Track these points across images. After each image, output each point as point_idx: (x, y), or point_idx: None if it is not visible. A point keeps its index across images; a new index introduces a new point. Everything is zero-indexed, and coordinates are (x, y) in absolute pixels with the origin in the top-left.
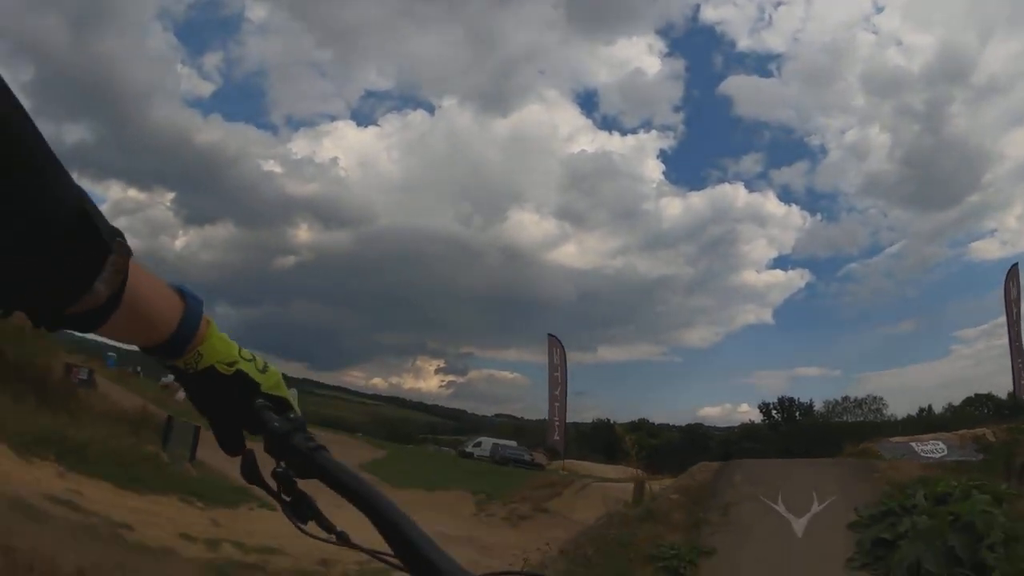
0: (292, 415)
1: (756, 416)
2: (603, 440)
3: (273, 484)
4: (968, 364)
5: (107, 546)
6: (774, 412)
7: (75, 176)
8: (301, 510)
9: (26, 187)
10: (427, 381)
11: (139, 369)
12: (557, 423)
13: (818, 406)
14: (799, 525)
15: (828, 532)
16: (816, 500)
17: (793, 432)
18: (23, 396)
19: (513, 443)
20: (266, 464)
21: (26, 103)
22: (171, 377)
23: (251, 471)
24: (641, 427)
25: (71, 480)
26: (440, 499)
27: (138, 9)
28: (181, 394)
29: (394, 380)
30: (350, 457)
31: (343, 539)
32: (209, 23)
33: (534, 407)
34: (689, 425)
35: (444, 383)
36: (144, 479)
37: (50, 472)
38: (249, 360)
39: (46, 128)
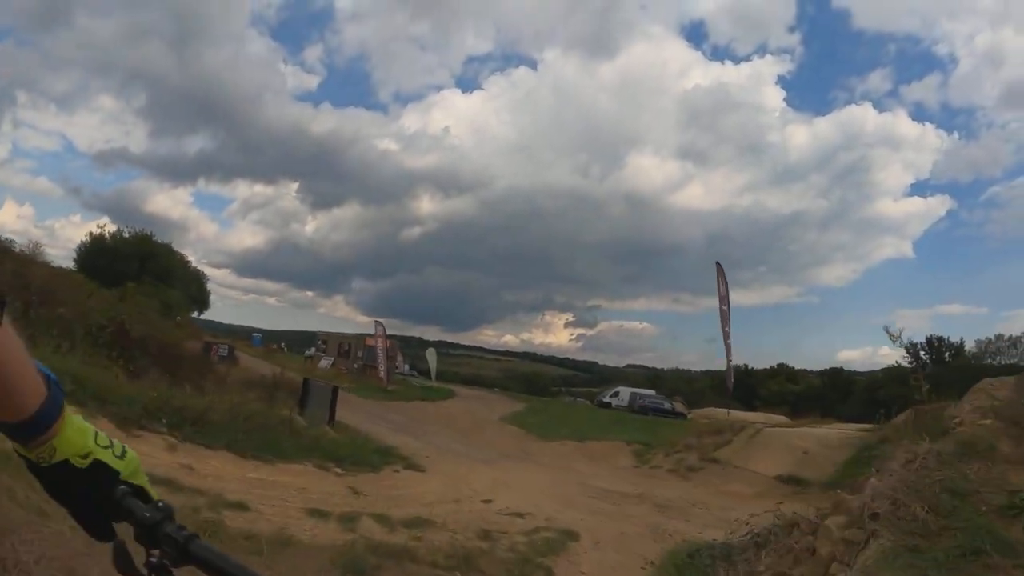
0: (160, 503)
1: (898, 358)
2: (740, 387)
3: (146, 573)
4: None
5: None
6: (922, 353)
7: (202, 181)
8: None
9: None
10: (557, 335)
11: (283, 345)
12: (731, 362)
13: (969, 345)
14: None
15: None
16: None
17: (942, 374)
18: (146, 370)
19: (652, 392)
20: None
21: (144, 126)
22: (314, 350)
23: (125, 563)
24: (780, 373)
25: (183, 453)
26: (594, 450)
27: (231, 21)
28: (324, 362)
29: (525, 336)
30: (491, 411)
31: None
32: (301, 19)
33: (666, 356)
34: (831, 369)
35: (574, 336)
36: (275, 446)
37: (158, 446)
38: (106, 447)
39: (170, 145)
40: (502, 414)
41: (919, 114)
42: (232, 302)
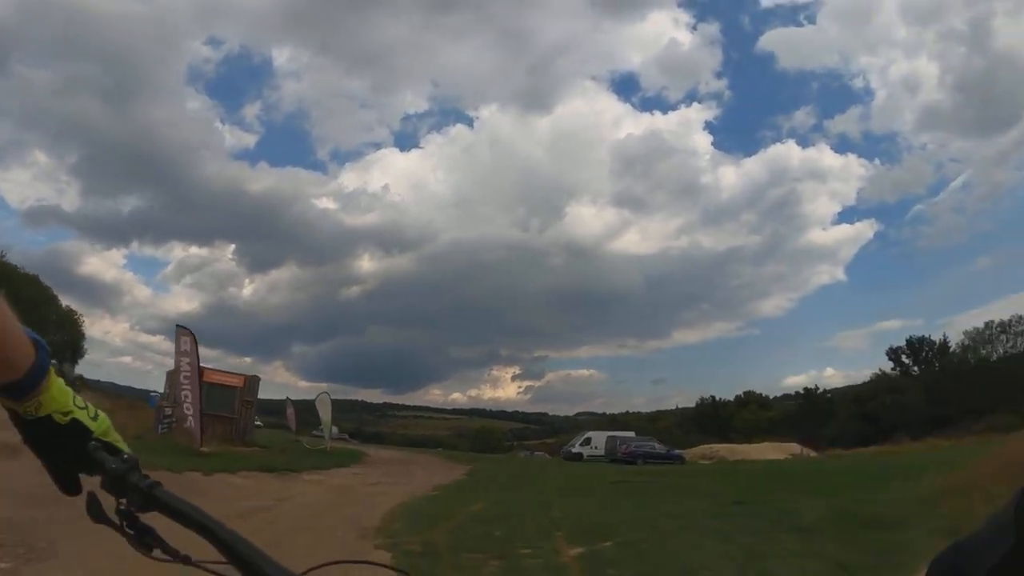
0: (126, 455)
1: (840, 381)
2: (712, 420)
3: (117, 520)
4: None
5: None
6: (904, 358)
7: (136, 243)
8: (146, 540)
9: None
10: (505, 389)
11: None
12: None
13: (958, 339)
14: None
15: None
16: None
17: (938, 378)
18: None
19: (631, 433)
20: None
21: (77, 184)
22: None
23: (97, 511)
24: (751, 401)
25: None
26: None
27: (168, 77)
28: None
29: (473, 393)
30: (383, 499)
31: (186, 560)
32: (239, 76)
33: (615, 400)
34: (806, 391)
35: (522, 389)
36: None
37: None
38: (82, 408)
39: (103, 204)
40: (400, 503)
41: (842, 145)
42: (168, 369)
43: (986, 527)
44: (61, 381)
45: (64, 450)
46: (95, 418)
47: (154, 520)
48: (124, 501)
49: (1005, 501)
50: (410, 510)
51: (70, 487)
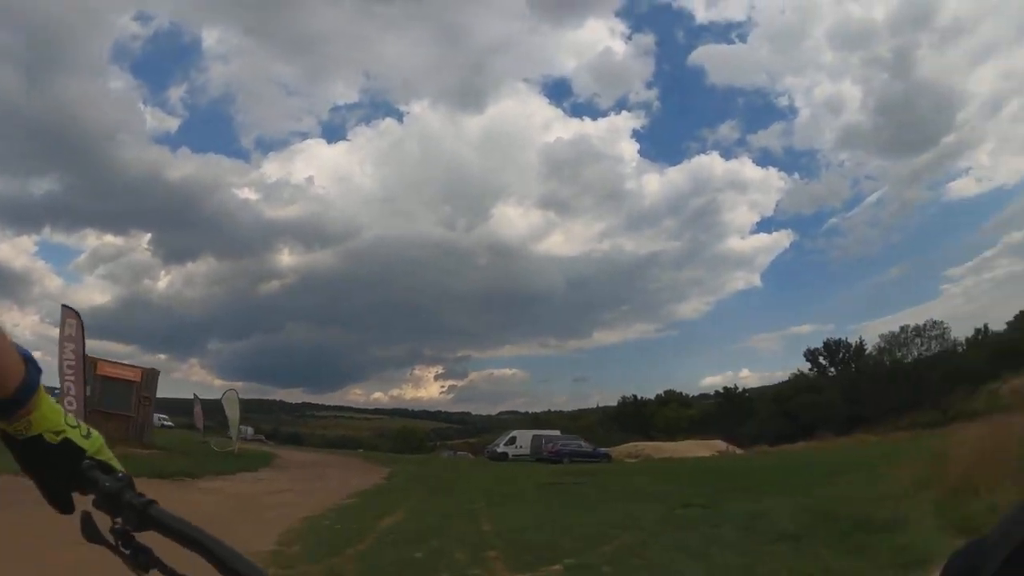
0: (120, 474)
1: (756, 381)
2: (633, 418)
3: (112, 539)
4: (960, 302)
5: None
6: (821, 359)
7: (48, 229)
8: (142, 560)
9: None
10: (428, 389)
11: None
12: None
13: (874, 342)
14: None
15: None
16: None
17: (854, 378)
18: None
19: (557, 432)
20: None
21: None
22: None
23: (92, 531)
24: (672, 399)
25: None
26: None
27: (92, 52)
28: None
29: (395, 392)
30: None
31: None
32: (166, 56)
33: (537, 399)
34: (726, 390)
35: (445, 388)
36: None
37: None
38: (74, 427)
39: (12, 186)
40: (305, 516)
41: (764, 159)
42: None
43: (1000, 525)
44: (52, 399)
45: (56, 469)
46: (88, 436)
47: (149, 539)
48: (119, 520)
49: (1018, 499)
50: (316, 526)
51: (63, 506)
